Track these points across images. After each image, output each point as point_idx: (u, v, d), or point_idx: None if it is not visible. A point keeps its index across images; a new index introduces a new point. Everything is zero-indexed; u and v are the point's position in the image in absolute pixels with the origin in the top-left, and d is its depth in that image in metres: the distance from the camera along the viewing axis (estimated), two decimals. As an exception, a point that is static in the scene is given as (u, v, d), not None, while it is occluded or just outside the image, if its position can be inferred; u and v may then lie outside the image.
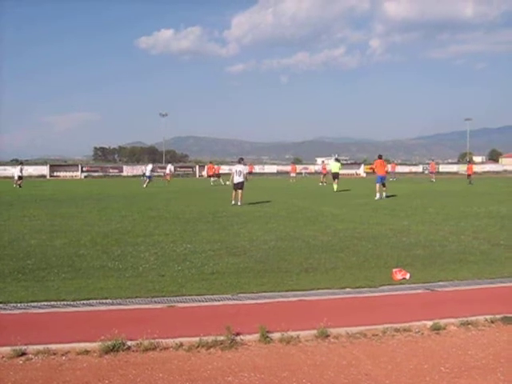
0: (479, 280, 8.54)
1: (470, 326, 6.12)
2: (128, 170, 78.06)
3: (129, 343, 5.36)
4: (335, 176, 34.65)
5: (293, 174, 57.93)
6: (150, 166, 46.00)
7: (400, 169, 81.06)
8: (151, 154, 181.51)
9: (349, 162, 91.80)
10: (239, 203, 22.59)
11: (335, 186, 33.62)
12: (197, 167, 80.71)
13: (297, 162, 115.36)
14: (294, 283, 8.24)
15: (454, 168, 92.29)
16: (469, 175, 46.61)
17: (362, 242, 12.18)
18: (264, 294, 7.66)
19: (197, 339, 5.46)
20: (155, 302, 7.20)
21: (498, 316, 6.33)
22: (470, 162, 62.87)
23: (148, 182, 41.80)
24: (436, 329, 5.97)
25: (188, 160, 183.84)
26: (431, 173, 56.67)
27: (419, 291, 7.88)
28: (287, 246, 11.67)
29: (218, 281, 8.40)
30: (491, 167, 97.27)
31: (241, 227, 14.78)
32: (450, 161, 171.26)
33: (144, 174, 45.78)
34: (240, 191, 22.91)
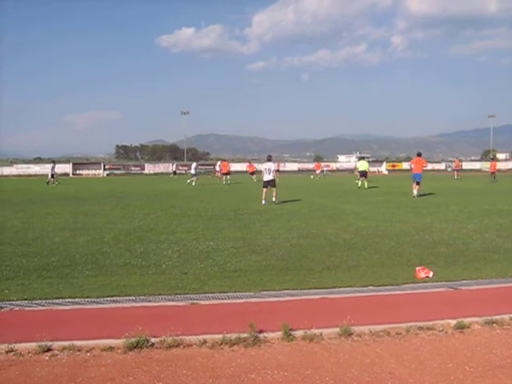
0: (503, 278, 8.46)
1: (494, 324, 6.07)
2: (150, 168, 78.56)
3: (152, 340, 5.40)
4: (363, 174, 35.65)
5: (317, 171, 58.24)
6: (194, 164, 46.80)
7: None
8: (173, 152, 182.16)
9: (371, 159, 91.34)
10: (274, 199, 22.41)
11: (365, 184, 34.87)
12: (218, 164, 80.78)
13: (318, 159, 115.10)
14: (317, 281, 8.23)
15: (476, 165, 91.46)
16: (492, 172, 46.22)
17: (384, 239, 12.13)
18: (286, 291, 7.67)
19: (220, 336, 5.48)
20: (178, 300, 7.24)
21: (523, 315, 6.27)
22: (494, 159, 62.24)
23: (196, 180, 42.75)
24: (460, 327, 5.93)
25: (209, 158, 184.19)
26: (455, 170, 56.31)
27: (442, 289, 7.82)
28: (309, 243, 11.66)
29: (241, 278, 8.42)
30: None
31: (263, 225, 14.79)
32: (472, 158, 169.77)
33: (190, 173, 46.54)
34: (273, 189, 22.68)
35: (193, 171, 44.65)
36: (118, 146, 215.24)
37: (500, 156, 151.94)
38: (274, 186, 22.79)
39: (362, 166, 36.56)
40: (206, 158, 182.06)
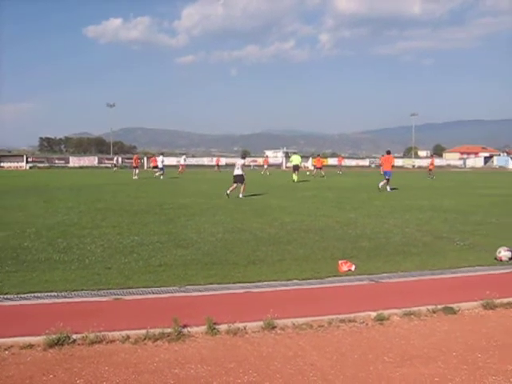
0: (422, 271, 8.75)
1: (412, 316, 6.27)
2: (74, 161, 76.77)
3: (74, 336, 5.29)
4: (296, 168, 37.41)
5: (266, 166, 58.20)
6: (161, 158, 45.57)
7: (347, 162, 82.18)
8: (98, 145, 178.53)
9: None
10: (241, 195, 22.88)
11: (296, 177, 36.40)
12: (145, 158, 79.83)
13: (246, 154, 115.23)
14: (241, 275, 8.27)
15: (399, 162, 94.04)
16: (430, 170, 47.00)
17: (308, 234, 12.31)
18: (211, 286, 7.67)
19: (143, 332, 5.43)
20: (101, 295, 7.12)
21: (439, 306, 6.50)
22: (433, 156, 63.63)
23: (162, 174, 42.30)
24: (380, 319, 6.10)
25: (136, 151, 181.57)
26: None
27: (364, 282, 8.02)
28: (234, 238, 11.70)
29: (166, 273, 8.36)
30: (435, 162, 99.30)
31: (188, 219, 14.73)
32: (396, 155, 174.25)
33: (157, 167, 45.25)
34: (240, 184, 23.24)
35: (160, 165, 44.01)
36: (41, 139, 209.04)
37: (421, 153, 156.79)
38: (242, 183, 23.34)
39: (296, 160, 38.38)
40: (133, 151, 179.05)
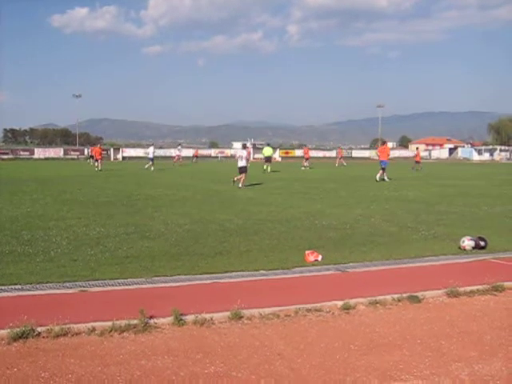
0: (387, 261, 8.87)
1: (378, 304, 6.35)
2: (40, 153, 75.45)
3: (39, 329, 5.22)
4: (268, 159, 38.60)
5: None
6: (151, 149, 45.30)
7: (315, 153, 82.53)
8: (64, 137, 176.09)
9: (264, 146, 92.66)
10: (240, 185, 23.54)
11: (269, 168, 37.45)
12: (111, 150, 79.03)
13: (213, 145, 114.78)
14: (209, 266, 8.27)
15: (366, 153, 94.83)
16: (417, 162, 46.11)
17: (275, 224, 12.35)
18: (178, 277, 7.66)
19: (110, 323, 5.39)
20: (67, 287, 7.05)
21: (404, 295, 6.59)
22: (418, 148, 63.70)
23: (152, 165, 42.15)
24: (346, 308, 6.15)
25: (103, 143, 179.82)
26: (338, 158, 56.76)
27: (331, 272, 8.09)
28: (202, 229, 11.68)
29: (132, 264, 8.32)
30: (401, 153, 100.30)
31: (155, 210, 14.66)
32: (362, 146, 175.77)
33: (148, 157, 45.18)
34: (243, 174, 24.04)
35: (150, 155, 43.89)
36: (5, 130, 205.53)
37: (388, 145, 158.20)
38: (245, 172, 24.21)
39: (267, 151, 39.57)
40: (99, 142, 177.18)
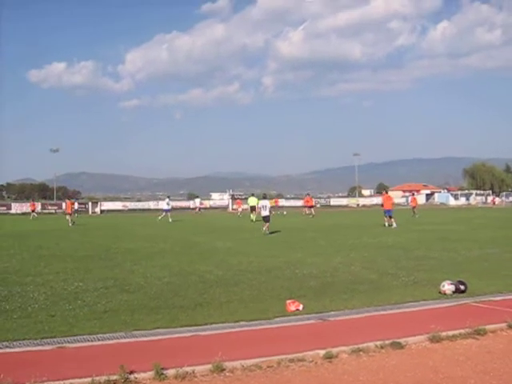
0: (369, 308, 8.85)
1: (360, 352, 6.30)
2: (17, 208, 74.61)
3: (15, 388, 5.10)
4: (253, 209, 40.82)
5: (240, 209, 57.50)
6: (167, 200, 46.64)
7: (293, 203, 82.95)
8: (42, 191, 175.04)
9: (243, 196, 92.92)
10: (267, 232, 25.82)
11: (253, 217, 39.03)
12: (90, 204, 78.66)
13: (191, 197, 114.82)
14: (189, 318, 8.18)
15: (343, 201, 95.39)
16: (413, 207, 46.16)
17: (256, 275, 12.29)
18: (158, 330, 7.57)
19: (89, 380, 5.28)
20: (44, 344, 6.91)
21: (387, 342, 6.56)
22: (414, 194, 63.94)
23: (168, 216, 42.70)
24: (328, 357, 6.10)
25: (81, 197, 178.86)
26: (306, 207, 53.47)
27: (312, 321, 8.03)
28: (181, 281, 11.59)
29: (111, 319, 8.20)
30: (379, 200, 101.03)
31: (134, 264, 14.52)
32: (340, 194, 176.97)
33: (163, 209, 46.02)
34: (266, 223, 26.32)
35: (165, 207, 44.87)
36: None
37: (365, 192, 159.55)
38: (268, 221, 26.45)
39: (252, 201, 41.59)
40: (78, 196, 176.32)
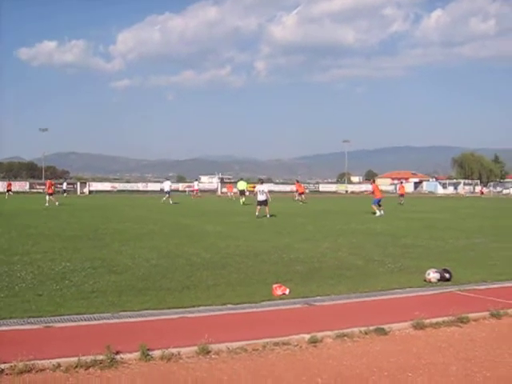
0: (354, 294, 8.93)
1: (345, 337, 6.37)
2: (4, 186, 74.36)
3: (2, 366, 5.12)
4: (242, 192, 42.93)
5: (231, 193, 57.73)
6: (168, 182, 48.08)
7: (282, 188, 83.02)
8: (30, 170, 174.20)
9: (232, 180, 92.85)
10: (268, 215, 26.50)
11: (242, 201, 40.52)
12: (78, 184, 78.39)
13: (180, 179, 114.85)
14: (176, 301, 8.22)
15: (332, 188, 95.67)
16: (401, 195, 46.96)
17: (243, 258, 12.35)
18: (145, 311, 7.60)
19: (75, 359, 5.31)
20: (31, 323, 6.92)
21: (371, 327, 6.63)
22: (402, 182, 64.32)
23: (169, 197, 43.41)
24: (313, 342, 6.16)
25: (69, 176, 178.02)
26: (296, 192, 54.58)
27: (298, 306, 8.10)
28: (169, 263, 11.62)
29: (99, 299, 8.22)
30: (367, 187, 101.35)
31: (123, 245, 14.54)
32: (329, 180, 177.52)
33: (164, 191, 46.44)
34: (265, 207, 27.01)
35: (167, 189, 45.23)
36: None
37: (354, 179, 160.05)
38: (266, 205, 27.12)
39: (241, 185, 43.54)
40: (66, 176, 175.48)
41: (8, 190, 58.06)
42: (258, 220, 24.95)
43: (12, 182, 66.98)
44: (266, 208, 27.02)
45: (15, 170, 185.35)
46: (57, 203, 37.50)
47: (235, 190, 52.50)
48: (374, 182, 35.19)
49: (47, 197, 39.04)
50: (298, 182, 57.58)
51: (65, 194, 62.90)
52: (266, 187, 28.83)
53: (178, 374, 5.20)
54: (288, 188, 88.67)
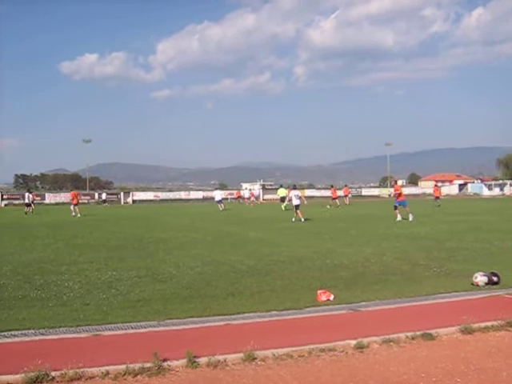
0: (400, 299, 8.82)
1: (391, 343, 6.31)
2: (50, 198, 75.92)
3: (53, 374, 5.23)
4: (283, 199, 43.10)
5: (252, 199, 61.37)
6: (217, 192, 50.96)
7: (324, 193, 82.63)
8: (75, 181, 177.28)
9: (273, 186, 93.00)
10: (302, 219, 27.50)
11: (283, 206, 40.24)
12: (122, 194, 79.60)
13: (222, 187, 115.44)
14: (221, 307, 8.27)
15: (375, 192, 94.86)
16: (437, 197, 46.71)
17: (287, 265, 12.34)
18: (191, 319, 7.66)
19: (123, 367, 5.39)
20: (80, 331, 7.06)
21: (418, 333, 6.55)
22: (436, 184, 63.94)
23: (221, 205, 45.54)
24: (359, 347, 6.12)
25: (113, 187, 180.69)
26: (345, 196, 56.97)
27: (343, 312, 8.06)
28: (213, 271, 11.69)
29: (144, 308, 8.33)
30: (411, 190, 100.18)
31: (167, 253, 14.69)
32: (371, 184, 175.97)
33: (215, 200, 48.64)
34: (299, 211, 27.96)
35: (219, 198, 47.59)
36: (16, 176, 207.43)
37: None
38: (298, 208, 28.17)
39: (282, 192, 44.80)
40: (109, 187, 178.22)
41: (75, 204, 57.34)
42: (299, 226, 24.89)
43: (57, 194, 67.97)
44: (299, 212, 27.98)
45: (60, 182, 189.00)
46: (78, 215, 37.76)
47: (252, 197, 59.83)
48: (395, 183, 33.82)
49: (72, 207, 39.65)
50: (332, 187, 57.82)
51: (104, 204, 64.01)
52: (299, 192, 30.27)
53: (224, 380, 5.22)
54: (329, 193, 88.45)
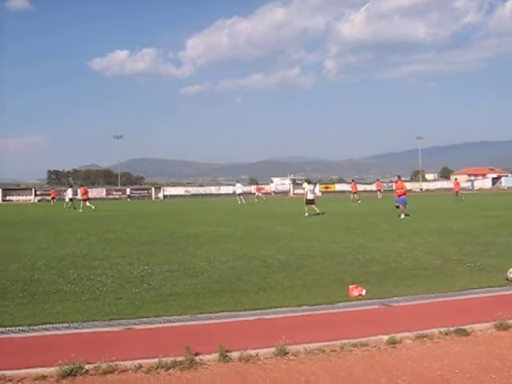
0: (433, 294, 8.73)
1: (425, 338, 6.25)
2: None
3: (87, 367, 5.30)
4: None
5: (257, 193, 61.84)
6: (239, 185, 53.07)
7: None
8: (106, 177, 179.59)
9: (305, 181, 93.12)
10: (318, 211, 28.43)
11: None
12: (153, 189, 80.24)
13: (252, 182, 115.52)
14: (252, 302, 8.27)
15: (406, 186, 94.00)
16: (456, 192, 47.63)
17: (318, 260, 12.29)
18: (222, 313, 7.68)
19: (156, 360, 5.43)
20: (113, 325, 7.14)
21: (451, 328, 6.48)
22: (457, 179, 63.98)
23: (242, 198, 47.31)
24: (392, 343, 6.08)
25: (144, 182, 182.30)
26: (378, 191, 57.79)
27: (375, 307, 8.00)
28: (244, 265, 11.70)
29: (176, 302, 8.38)
30: (443, 184, 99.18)
31: (198, 248, 14.75)
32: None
33: (236, 193, 51.40)
34: (314, 205, 28.62)
35: (240, 191, 49.66)
36: (49, 172, 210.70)
37: (428, 176, 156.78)
38: (314, 203, 28.86)
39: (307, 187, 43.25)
40: (141, 182, 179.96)
41: (53, 198, 62.82)
42: (328, 220, 24.80)
43: (89, 189, 68.88)
44: (314, 206, 28.59)
45: (92, 177, 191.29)
46: (80, 210, 38.60)
47: (260, 192, 62.58)
48: (399, 178, 31.60)
49: (81, 203, 40.11)
50: (353, 181, 57.83)
51: (129, 200, 64.88)
52: (313, 187, 31.02)
53: (256, 375, 5.23)
54: (361, 188, 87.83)
